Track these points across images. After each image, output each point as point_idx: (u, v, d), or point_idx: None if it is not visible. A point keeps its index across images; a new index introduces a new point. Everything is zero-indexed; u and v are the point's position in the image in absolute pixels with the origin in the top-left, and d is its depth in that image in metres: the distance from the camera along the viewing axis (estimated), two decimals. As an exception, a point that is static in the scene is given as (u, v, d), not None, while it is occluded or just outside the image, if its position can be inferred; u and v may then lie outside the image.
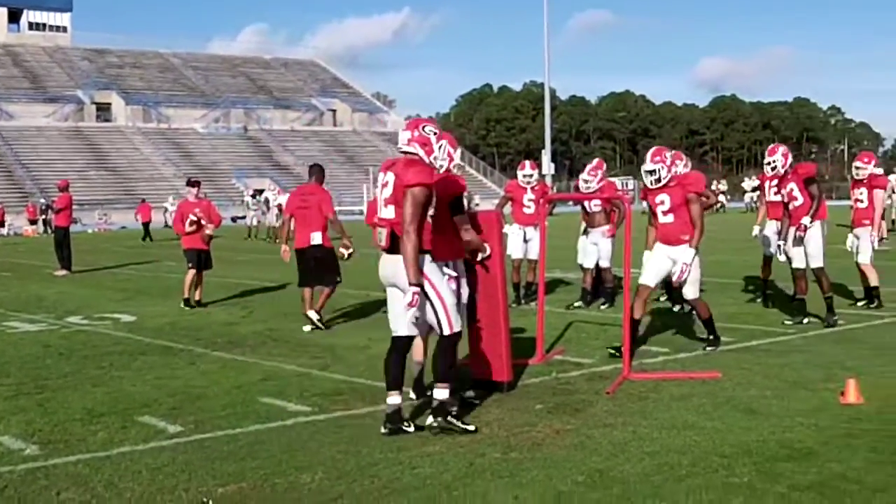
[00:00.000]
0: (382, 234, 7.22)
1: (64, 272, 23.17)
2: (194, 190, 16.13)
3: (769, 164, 12.25)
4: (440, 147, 7.41)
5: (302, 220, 12.94)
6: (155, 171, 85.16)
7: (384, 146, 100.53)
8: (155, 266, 25.76)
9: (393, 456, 6.47)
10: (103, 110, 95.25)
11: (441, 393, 7.14)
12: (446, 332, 7.18)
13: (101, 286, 20.08)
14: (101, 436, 7.25)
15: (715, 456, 6.26)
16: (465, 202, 8.24)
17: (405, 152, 7.26)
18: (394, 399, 7.18)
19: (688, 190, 9.87)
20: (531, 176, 14.62)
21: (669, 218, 9.96)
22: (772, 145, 12.59)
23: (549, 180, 69.66)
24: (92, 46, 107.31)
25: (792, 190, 11.91)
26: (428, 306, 7.13)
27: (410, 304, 6.84)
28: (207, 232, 15.77)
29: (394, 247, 7.08)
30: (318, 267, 12.98)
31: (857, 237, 13.27)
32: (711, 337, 10.31)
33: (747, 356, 9.92)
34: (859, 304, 13.34)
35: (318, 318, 12.74)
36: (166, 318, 14.23)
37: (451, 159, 8.04)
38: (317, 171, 13.24)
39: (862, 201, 13.25)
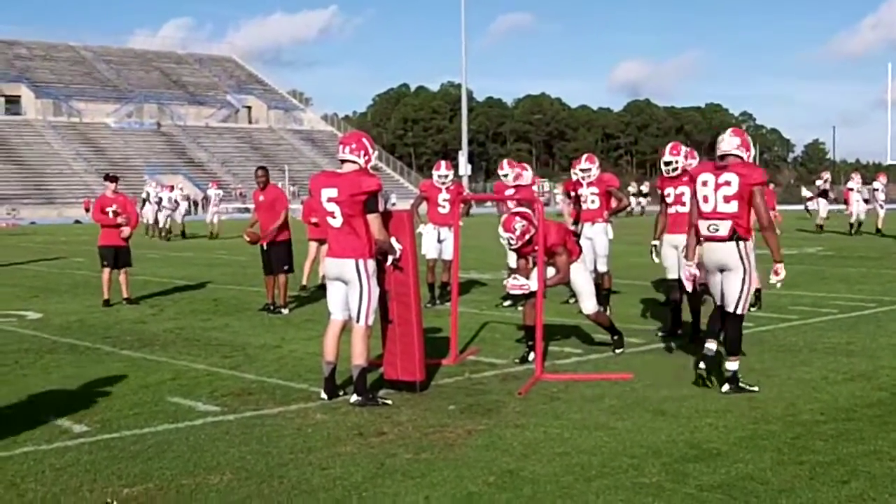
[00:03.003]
0: (723, 226, 8.20)
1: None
2: (112, 185, 15.89)
3: (670, 164, 11.14)
4: (755, 149, 8.55)
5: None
6: (65, 166, 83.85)
7: (300, 144, 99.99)
8: (63, 262, 25.31)
9: (303, 457, 6.42)
10: (12, 103, 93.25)
11: (732, 364, 8.19)
12: (740, 311, 8.25)
13: (7, 283, 19.65)
14: (3, 435, 7.08)
15: (624, 456, 6.30)
16: (383, 201, 8.23)
17: (732, 155, 8.28)
18: (710, 345, 8.43)
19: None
20: (446, 176, 14.62)
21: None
22: (673, 143, 11.65)
23: (465, 181, 69.91)
24: (0, 38, 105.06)
25: (683, 194, 10.87)
26: (733, 285, 8.23)
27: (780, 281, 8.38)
28: (124, 235, 15.54)
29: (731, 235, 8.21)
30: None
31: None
32: (615, 337, 10.25)
33: (658, 357, 10.03)
34: None
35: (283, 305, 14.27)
36: (74, 316, 13.98)
37: (370, 158, 8.07)
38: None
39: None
